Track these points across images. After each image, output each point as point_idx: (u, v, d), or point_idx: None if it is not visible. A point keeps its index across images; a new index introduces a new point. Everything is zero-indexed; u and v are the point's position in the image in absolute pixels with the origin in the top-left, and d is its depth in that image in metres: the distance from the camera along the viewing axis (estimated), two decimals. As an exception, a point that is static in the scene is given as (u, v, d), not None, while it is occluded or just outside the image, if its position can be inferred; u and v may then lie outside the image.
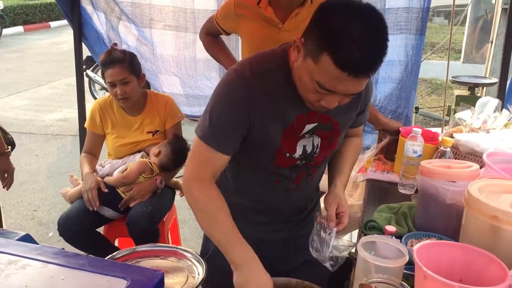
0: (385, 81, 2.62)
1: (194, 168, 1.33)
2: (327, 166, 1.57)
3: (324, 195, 1.50)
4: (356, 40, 1.05)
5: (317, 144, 1.39)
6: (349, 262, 2.48)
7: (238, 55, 2.66)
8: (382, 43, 1.09)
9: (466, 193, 1.20)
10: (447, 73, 2.60)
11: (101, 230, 2.48)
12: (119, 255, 1.40)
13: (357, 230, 2.02)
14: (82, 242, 2.27)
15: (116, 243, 2.54)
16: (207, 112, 1.29)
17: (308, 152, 1.39)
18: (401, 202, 1.71)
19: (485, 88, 4.87)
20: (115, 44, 2.56)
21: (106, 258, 1.41)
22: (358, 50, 1.05)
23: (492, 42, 5.89)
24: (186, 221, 3.72)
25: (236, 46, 2.80)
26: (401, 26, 2.49)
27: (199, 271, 1.37)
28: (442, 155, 1.65)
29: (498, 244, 1.09)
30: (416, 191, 1.93)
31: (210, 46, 2.34)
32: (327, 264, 1.36)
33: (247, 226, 1.39)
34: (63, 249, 1.17)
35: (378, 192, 1.95)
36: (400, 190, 1.92)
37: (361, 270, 1.20)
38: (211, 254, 1.56)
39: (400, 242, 1.28)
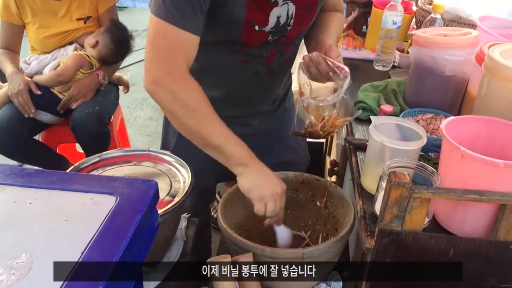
0: None
1: (161, 56, 1.05)
2: (306, 41, 1.35)
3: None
4: None
5: (292, 14, 1.17)
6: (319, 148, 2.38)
7: None
8: None
9: (487, 59, 1.06)
10: None
11: (38, 138, 2.18)
12: (85, 165, 1.18)
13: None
14: (20, 153, 1.96)
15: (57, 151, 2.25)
16: None
17: (281, 24, 1.16)
18: (385, 80, 1.58)
19: None
20: None
21: (67, 170, 1.19)
22: None
23: None
24: (128, 120, 3.45)
25: None
26: None
27: (184, 174, 1.19)
28: (432, 23, 1.50)
29: (529, 114, 1.00)
30: (393, 67, 1.81)
31: None
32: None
33: None
34: (20, 165, 0.92)
35: (353, 71, 1.79)
36: (376, 67, 1.79)
37: (374, 155, 1.08)
38: (174, 148, 1.40)
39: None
